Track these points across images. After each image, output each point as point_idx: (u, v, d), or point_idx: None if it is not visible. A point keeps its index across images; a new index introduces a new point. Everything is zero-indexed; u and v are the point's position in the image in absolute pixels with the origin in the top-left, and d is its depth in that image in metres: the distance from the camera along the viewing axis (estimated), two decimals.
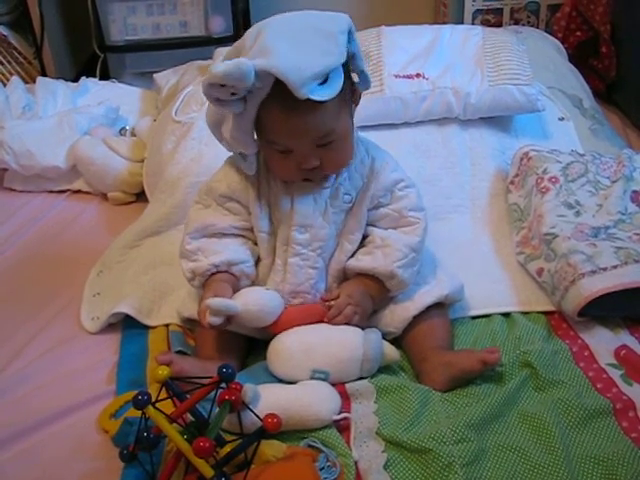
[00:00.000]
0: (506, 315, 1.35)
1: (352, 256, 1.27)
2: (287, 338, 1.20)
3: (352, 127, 1.22)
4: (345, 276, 1.28)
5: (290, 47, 1.08)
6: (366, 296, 1.25)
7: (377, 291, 1.26)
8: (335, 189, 1.24)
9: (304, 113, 1.12)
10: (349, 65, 1.17)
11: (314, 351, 1.18)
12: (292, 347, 1.19)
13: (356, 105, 1.23)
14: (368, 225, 1.28)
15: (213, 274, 1.24)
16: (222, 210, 1.27)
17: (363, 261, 1.25)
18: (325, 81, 1.10)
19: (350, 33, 1.14)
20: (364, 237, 1.28)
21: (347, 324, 1.22)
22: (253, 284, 1.27)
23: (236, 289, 1.23)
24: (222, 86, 1.07)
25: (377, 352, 1.19)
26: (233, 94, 1.08)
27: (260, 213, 1.25)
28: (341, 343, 1.19)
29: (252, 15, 2.65)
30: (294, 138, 1.15)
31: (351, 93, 1.20)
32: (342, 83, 1.13)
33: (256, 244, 1.28)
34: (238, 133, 1.16)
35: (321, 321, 1.23)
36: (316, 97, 1.08)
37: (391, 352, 1.21)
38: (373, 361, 1.19)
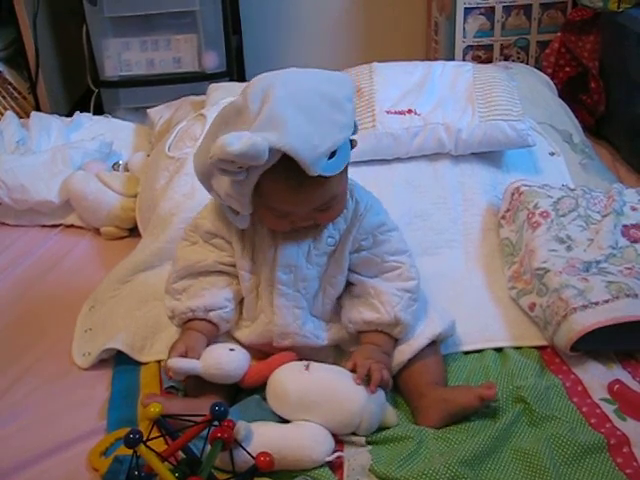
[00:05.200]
0: (499, 350, 1.35)
1: (338, 303, 1.28)
2: (288, 383, 1.17)
3: (347, 182, 1.21)
4: (351, 336, 1.28)
5: (300, 119, 1.06)
6: (381, 354, 1.23)
7: (387, 346, 1.24)
8: (319, 233, 1.24)
9: (310, 187, 1.11)
10: None
11: (312, 408, 1.14)
12: (291, 398, 1.15)
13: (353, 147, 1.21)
14: (352, 272, 1.27)
15: (191, 320, 1.25)
16: (208, 246, 1.28)
17: (366, 314, 1.24)
18: (333, 154, 1.09)
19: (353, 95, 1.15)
20: (349, 284, 1.28)
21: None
22: (237, 323, 1.29)
23: (214, 336, 1.25)
24: (232, 162, 1.05)
25: (375, 421, 1.16)
26: (240, 167, 1.07)
27: (242, 252, 1.25)
28: (342, 407, 1.15)
29: (245, 52, 2.68)
30: (296, 207, 1.15)
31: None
32: (349, 154, 1.13)
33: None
34: (235, 195, 1.14)
35: None
36: (327, 173, 1.09)
37: (390, 417, 1.19)
38: (369, 429, 1.16)
